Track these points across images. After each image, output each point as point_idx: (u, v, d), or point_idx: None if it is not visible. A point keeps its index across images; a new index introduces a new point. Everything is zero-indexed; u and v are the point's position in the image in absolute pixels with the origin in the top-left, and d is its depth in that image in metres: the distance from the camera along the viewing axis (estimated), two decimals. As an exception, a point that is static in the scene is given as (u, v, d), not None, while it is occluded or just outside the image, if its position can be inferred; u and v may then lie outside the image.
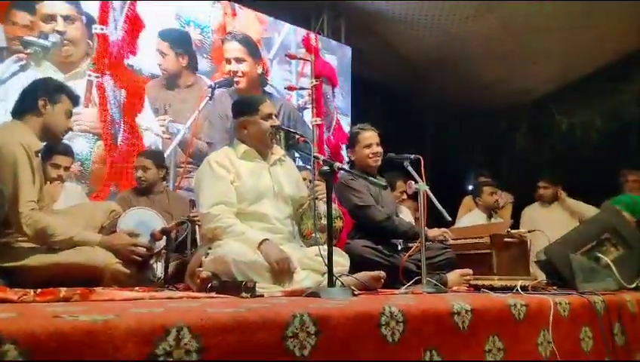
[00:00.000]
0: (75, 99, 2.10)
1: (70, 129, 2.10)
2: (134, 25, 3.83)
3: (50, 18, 3.64)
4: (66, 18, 3.69)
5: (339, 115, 5.10)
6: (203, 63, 4.35)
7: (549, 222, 3.86)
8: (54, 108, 2.00)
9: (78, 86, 3.54)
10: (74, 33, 3.71)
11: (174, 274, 2.25)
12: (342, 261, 1.98)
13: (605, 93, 5.64)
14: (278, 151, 2.23)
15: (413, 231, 2.52)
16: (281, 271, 1.79)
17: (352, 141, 2.82)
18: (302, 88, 3.73)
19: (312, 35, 3.85)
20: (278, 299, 1.50)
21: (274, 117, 2.15)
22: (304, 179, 2.93)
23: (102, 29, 3.73)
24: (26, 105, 1.99)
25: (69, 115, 2.07)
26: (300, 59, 3.29)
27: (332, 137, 4.70)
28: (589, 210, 3.93)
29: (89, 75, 3.65)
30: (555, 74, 5.83)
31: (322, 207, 1.99)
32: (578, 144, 5.82)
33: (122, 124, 3.73)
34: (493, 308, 1.44)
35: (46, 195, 2.17)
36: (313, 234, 2.04)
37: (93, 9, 3.78)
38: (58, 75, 3.57)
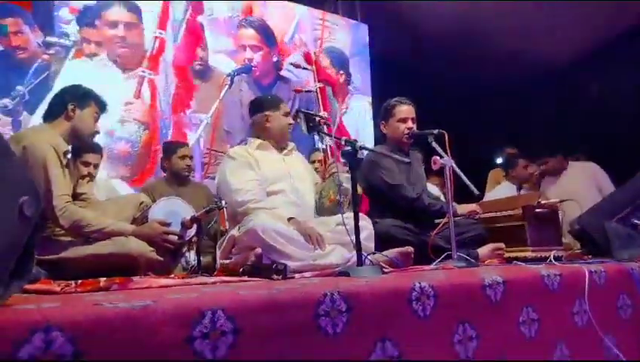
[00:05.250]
0: (102, 105, 2.18)
1: (97, 132, 2.20)
2: (193, 35, 4.18)
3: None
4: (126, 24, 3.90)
5: (356, 94, 5.18)
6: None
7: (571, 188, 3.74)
8: (83, 112, 2.09)
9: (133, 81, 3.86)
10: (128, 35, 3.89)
11: (210, 265, 2.30)
12: (364, 223, 2.01)
13: (635, 57, 5.36)
14: (290, 145, 2.43)
15: (444, 213, 2.44)
16: (313, 239, 1.95)
17: (387, 113, 2.72)
18: (308, 91, 3.94)
19: (312, 52, 4.29)
20: (308, 280, 1.52)
21: (289, 116, 2.39)
22: (316, 162, 3.30)
23: (160, 34, 4.05)
24: (56, 110, 2.08)
25: (97, 119, 2.17)
26: (304, 68, 4.03)
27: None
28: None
29: (142, 71, 3.91)
30: (580, 41, 5.58)
31: (342, 175, 2.09)
32: (608, 113, 5.58)
33: (171, 119, 3.96)
34: (526, 280, 1.43)
35: (87, 189, 2.29)
36: (337, 198, 2.12)
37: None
38: (115, 70, 3.80)
